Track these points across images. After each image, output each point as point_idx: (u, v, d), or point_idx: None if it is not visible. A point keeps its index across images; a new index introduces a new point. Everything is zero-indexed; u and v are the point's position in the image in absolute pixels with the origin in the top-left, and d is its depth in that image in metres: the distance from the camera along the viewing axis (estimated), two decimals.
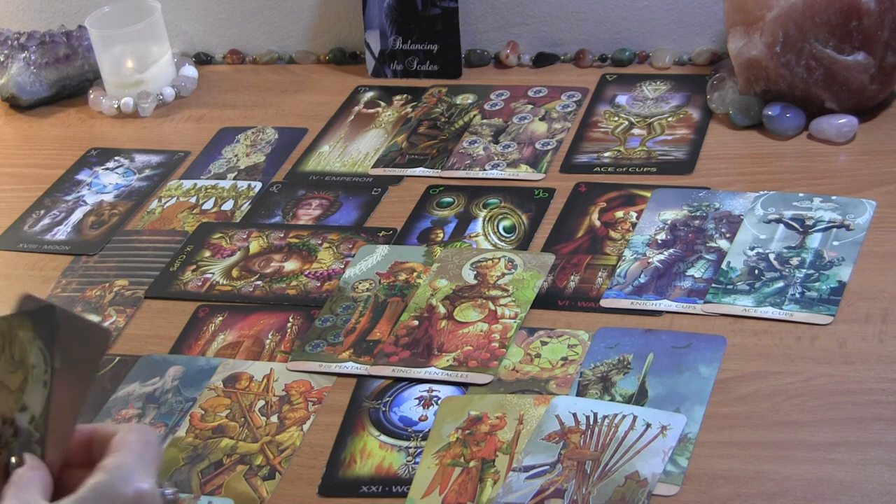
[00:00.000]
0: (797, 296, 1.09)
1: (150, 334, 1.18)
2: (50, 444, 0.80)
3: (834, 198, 1.20)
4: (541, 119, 1.41)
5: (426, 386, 1.06)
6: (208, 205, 1.36)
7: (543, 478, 0.95)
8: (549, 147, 1.36)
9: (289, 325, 1.16)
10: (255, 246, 1.28)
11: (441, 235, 1.25)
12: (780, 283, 1.10)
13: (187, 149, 1.46)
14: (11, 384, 0.83)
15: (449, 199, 1.30)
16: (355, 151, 1.41)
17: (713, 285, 1.11)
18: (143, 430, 0.81)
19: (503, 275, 1.16)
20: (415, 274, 1.19)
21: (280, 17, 1.61)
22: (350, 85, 1.55)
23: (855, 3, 1.25)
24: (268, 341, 1.15)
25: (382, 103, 1.50)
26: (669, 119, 1.37)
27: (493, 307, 1.13)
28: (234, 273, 1.24)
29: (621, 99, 1.42)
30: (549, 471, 0.96)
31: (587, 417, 0.99)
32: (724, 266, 1.13)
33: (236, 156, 1.44)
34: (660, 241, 1.18)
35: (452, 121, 1.43)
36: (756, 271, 1.12)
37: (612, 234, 1.20)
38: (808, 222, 1.17)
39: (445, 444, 1.00)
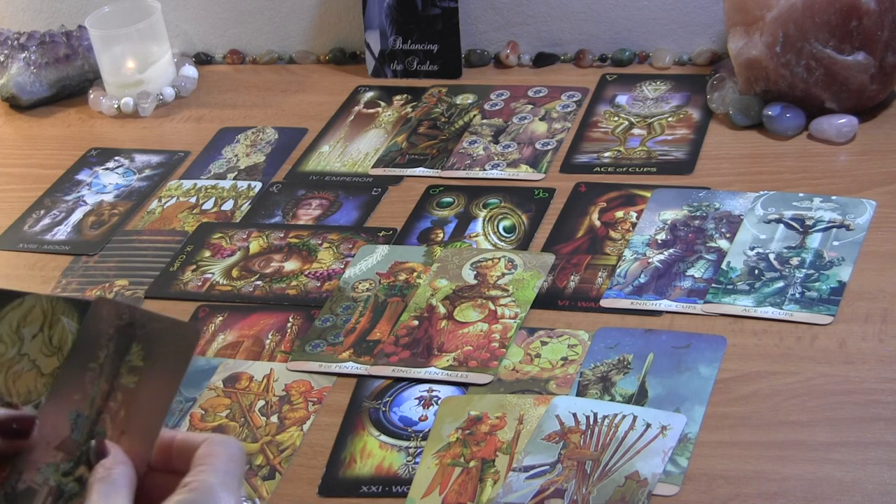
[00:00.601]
0: (797, 296, 1.09)
1: None
2: (136, 441, 0.80)
3: (834, 198, 1.20)
4: (541, 119, 1.41)
5: (426, 386, 1.06)
6: (208, 205, 1.36)
7: (543, 478, 0.95)
8: (549, 147, 1.36)
9: (289, 325, 1.16)
10: (255, 246, 1.28)
11: (441, 235, 1.25)
12: (780, 283, 1.10)
13: (187, 149, 1.46)
14: (44, 367, 0.85)
15: (449, 199, 1.30)
16: (355, 151, 1.41)
17: (713, 285, 1.11)
18: (228, 442, 0.80)
19: (503, 275, 1.16)
20: (415, 274, 1.19)
21: (280, 17, 1.61)
22: (350, 85, 1.55)
23: (855, 3, 1.25)
24: (268, 341, 1.15)
25: (382, 103, 1.50)
26: (669, 119, 1.37)
27: (493, 307, 1.13)
28: (234, 273, 1.24)
29: (621, 99, 1.42)
30: (549, 471, 0.96)
31: (587, 417, 0.99)
32: (724, 266, 1.13)
33: (236, 156, 1.44)
34: (660, 241, 1.18)
35: (452, 121, 1.43)
36: (756, 271, 1.12)
37: (612, 234, 1.20)
38: (808, 222, 1.17)
39: (445, 444, 1.00)
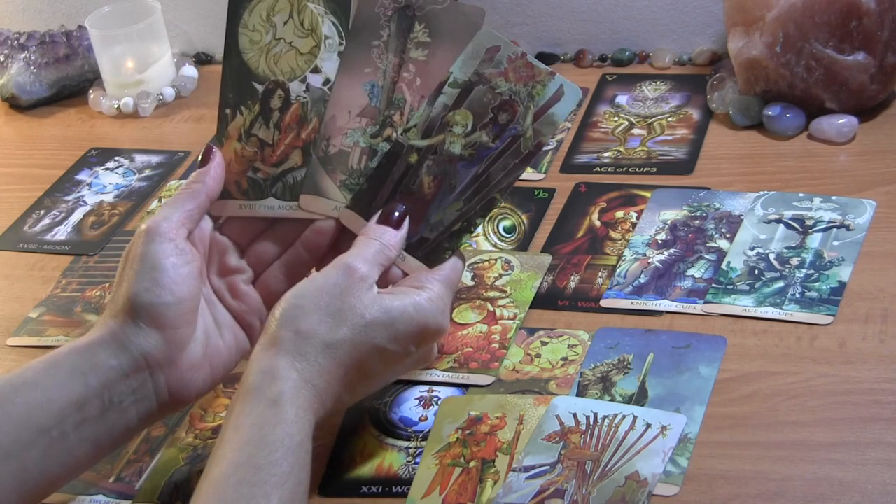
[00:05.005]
0: (797, 296, 1.09)
1: None
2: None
3: (834, 198, 1.20)
4: None
5: (426, 386, 1.06)
6: None
7: (543, 478, 0.95)
8: (549, 147, 1.36)
9: None
10: None
11: None
12: (780, 283, 1.10)
13: (187, 149, 1.46)
14: (302, 48, 0.98)
15: None
16: None
17: (713, 285, 1.11)
18: (460, 269, 0.98)
19: (500, 276, 1.16)
20: None
21: None
22: None
23: (855, 3, 1.25)
24: None
25: None
26: (669, 119, 1.37)
27: (491, 308, 1.13)
28: None
29: (621, 99, 1.42)
30: (549, 471, 0.96)
31: (587, 417, 0.99)
32: (724, 266, 1.13)
33: None
34: (660, 242, 1.18)
35: None
36: (756, 271, 1.12)
37: (612, 234, 1.20)
38: (808, 222, 1.17)
39: (445, 444, 1.00)
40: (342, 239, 0.99)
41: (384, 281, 0.96)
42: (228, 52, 1.01)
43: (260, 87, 1.00)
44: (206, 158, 1.01)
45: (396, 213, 0.97)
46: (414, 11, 0.97)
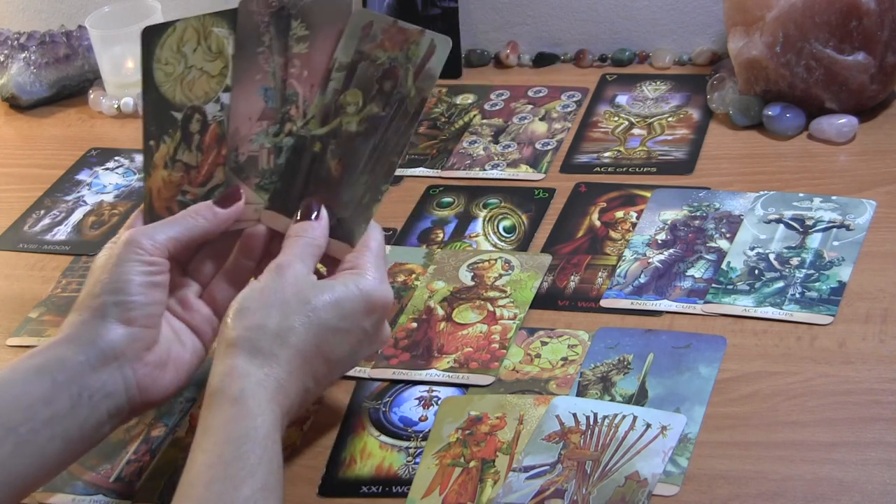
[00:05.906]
0: (797, 296, 1.09)
1: None
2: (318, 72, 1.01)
3: (834, 198, 1.20)
4: (541, 119, 1.41)
5: (426, 386, 1.06)
6: None
7: (543, 478, 0.95)
8: (549, 147, 1.36)
9: None
10: None
11: (441, 235, 1.25)
12: (780, 283, 1.10)
13: None
14: (212, 70, 1.03)
15: (449, 199, 1.30)
16: None
17: (713, 285, 1.11)
18: (381, 238, 1.00)
19: (500, 276, 1.16)
20: (413, 276, 1.19)
21: None
22: None
23: (855, 3, 1.25)
24: None
25: None
26: (669, 119, 1.37)
27: (491, 308, 1.13)
28: None
29: (621, 99, 1.42)
30: (549, 471, 0.96)
31: (587, 417, 0.99)
32: (724, 266, 1.13)
33: None
34: (660, 242, 1.18)
35: (452, 121, 1.43)
36: (756, 271, 1.12)
37: (612, 234, 1.20)
38: (808, 222, 1.17)
39: (445, 444, 1.00)
40: (274, 240, 1.01)
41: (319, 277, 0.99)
42: (146, 88, 1.05)
43: (178, 115, 1.04)
44: (228, 201, 1.01)
45: (313, 207, 0.99)
46: (288, 11, 1.01)
